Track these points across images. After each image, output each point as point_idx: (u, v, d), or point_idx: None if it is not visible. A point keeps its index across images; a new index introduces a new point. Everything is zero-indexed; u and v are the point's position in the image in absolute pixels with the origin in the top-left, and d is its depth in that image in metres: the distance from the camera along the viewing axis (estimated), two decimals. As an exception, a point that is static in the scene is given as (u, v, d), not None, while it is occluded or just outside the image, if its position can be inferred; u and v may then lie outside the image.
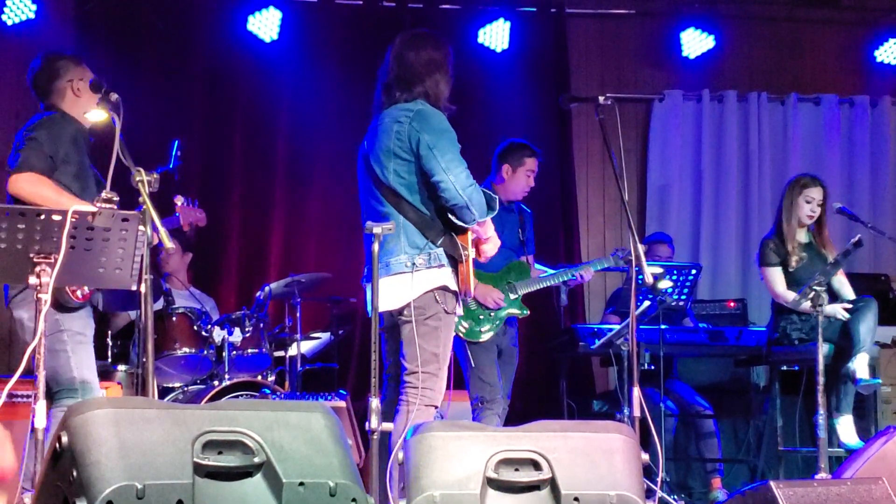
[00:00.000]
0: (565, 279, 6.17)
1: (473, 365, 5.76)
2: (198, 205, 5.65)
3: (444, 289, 4.42)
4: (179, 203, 5.48)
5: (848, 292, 6.29)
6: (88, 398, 4.33)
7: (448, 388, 5.29)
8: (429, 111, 4.46)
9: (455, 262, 4.46)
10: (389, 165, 4.43)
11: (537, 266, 6.21)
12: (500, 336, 5.91)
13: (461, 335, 5.76)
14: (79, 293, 4.48)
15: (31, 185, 4.44)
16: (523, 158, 6.12)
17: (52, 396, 4.48)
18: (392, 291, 4.32)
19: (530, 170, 6.12)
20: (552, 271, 6.21)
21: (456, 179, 4.35)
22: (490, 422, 5.70)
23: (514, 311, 5.96)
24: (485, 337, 5.81)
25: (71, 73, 4.80)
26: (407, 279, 4.36)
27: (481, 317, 5.84)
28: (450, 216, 4.42)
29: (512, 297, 5.96)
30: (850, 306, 6.13)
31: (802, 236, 6.35)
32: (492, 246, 4.60)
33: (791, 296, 6.06)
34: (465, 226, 4.43)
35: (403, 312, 4.39)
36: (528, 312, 6.05)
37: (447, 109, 4.55)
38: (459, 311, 4.58)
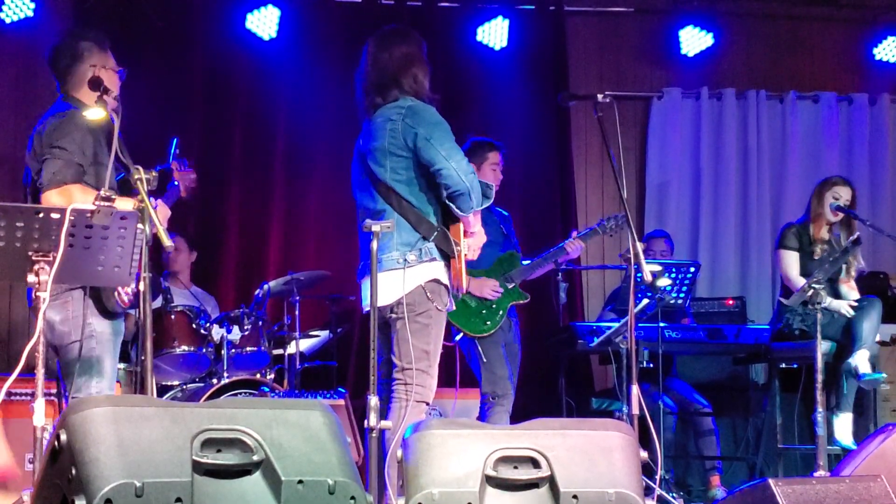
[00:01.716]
0: (557, 257, 6.18)
1: (485, 360, 5.77)
2: (188, 165, 5.46)
3: (436, 282, 4.44)
4: (175, 167, 5.26)
5: (855, 295, 6.32)
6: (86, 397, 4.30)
7: (455, 387, 5.30)
8: (419, 106, 4.49)
9: (447, 257, 4.48)
10: (386, 164, 4.45)
11: (524, 262, 6.22)
12: (504, 331, 5.93)
13: (467, 333, 5.77)
14: (125, 297, 4.36)
15: (67, 199, 4.22)
16: (485, 154, 6.14)
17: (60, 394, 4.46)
18: (384, 288, 4.33)
19: (494, 164, 6.14)
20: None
21: (458, 166, 4.39)
22: (500, 418, 5.71)
23: (515, 299, 5.98)
24: (490, 330, 5.83)
25: (94, 57, 4.58)
26: (399, 275, 4.38)
27: (483, 311, 5.86)
28: (448, 204, 4.43)
29: (509, 286, 5.98)
30: (855, 304, 6.15)
31: (825, 233, 6.40)
32: (477, 240, 4.61)
33: (802, 282, 6.08)
34: (462, 214, 4.45)
35: (394, 310, 4.41)
36: (529, 298, 6.07)
37: (431, 99, 4.57)
38: (451, 306, 4.59)
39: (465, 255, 4.56)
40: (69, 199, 4.28)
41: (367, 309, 4.45)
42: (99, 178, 4.45)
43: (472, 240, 4.59)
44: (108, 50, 4.68)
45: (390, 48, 4.58)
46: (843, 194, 6.40)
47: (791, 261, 6.38)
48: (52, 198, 4.31)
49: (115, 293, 4.34)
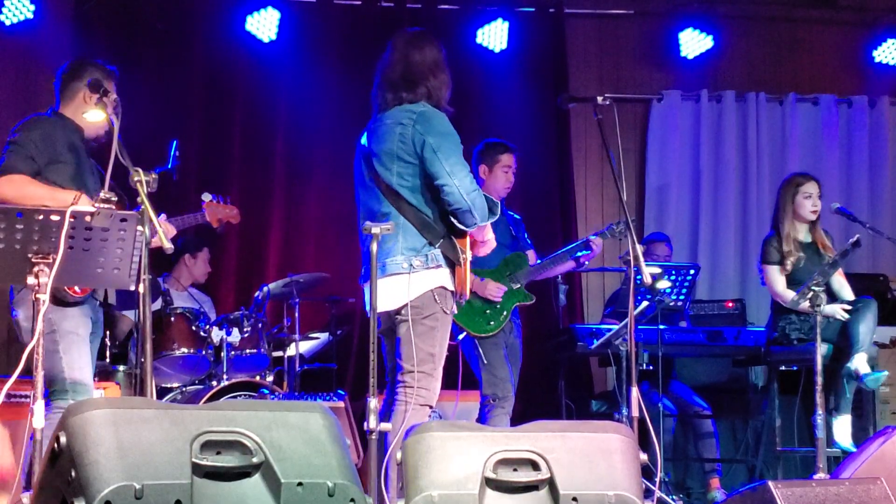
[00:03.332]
0: (565, 260, 6.15)
1: (486, 362, 5.77)
2: (230, 201, 5.59)
3: (443, 288, 4.43)
4: (207, 199, 5.41)
5: (847, 293, 6.29)
6: (86, 398, 4.30)
7: (457, 388, 5.29)
8: (432, 113, 4.45)
9: (452, 264, 4.47)
10: (393, 168, 4.43)
11: (536, 262, 6.21)
12: (506, 333, 5.92)
13: (470, 333, 5.77)
14: (76, 288, 4.45)
15: (13, 188, 4.42)
16: (498, 156, 6.12)
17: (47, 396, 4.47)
18: (389, 293, 4.32)
19: (507, 166, 6.11)
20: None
21: (460, 184, 4.36)
22: (500, 421, 5.70)
23: (520, 300, 5.98)
24: (493, 330, 5.83)
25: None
26: (404, 280, 4.36)
27: (487, 311, 5.86)
28: (451, 219, 4.42)
29: (515, 287, 5.97)
30: (849, 307, 6.13)
31: (803, 235, 6.34)
32: (487, 248, 4.61)
33: (790, 295, 6.07)
34: (466, 230, 4.44)
35: (401, 312, 4.40)
36: (534, 299, 6.06)
37: (446, 111, 4.55)
38: (454, 309, 4.59)
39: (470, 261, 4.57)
40: (14, 187, 4.39)
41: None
42: (65, 177, 4.49)
43: (483, 248, 4.60)
44: (114, 80, 4.78)
45: (423, 49, 4.56)
46: (813, 191, 6.29)
47: (777, 276, 6.28)
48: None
49: None
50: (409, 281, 4.35)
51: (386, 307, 4.33)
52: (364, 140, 4.62)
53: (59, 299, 4.39)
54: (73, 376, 4.43)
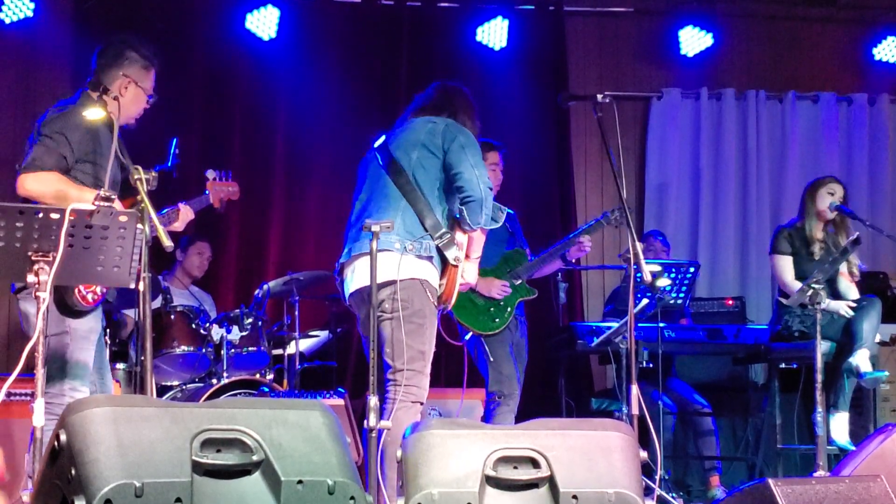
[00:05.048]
0: (563, 251, 6.14)
1: (492, 359, 5.78)
2: (231, 177, 5.52)
3: (428, 283, 4.46)
4: (211, 177, 5.32)
5: (854, 294, 6.31)
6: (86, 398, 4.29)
7: (462, 387, 5.32)
8: (465, 129, 4.67)
9: (443, 262, 4.50)
10: (413, 154, 4.55)
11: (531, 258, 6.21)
12: (511, 331, 5.93)
13: (476, 332, 5.78)
14: (89, 297, 4.37)
15: (42, 185, 4.32)
16: (484, 154, 6.09)
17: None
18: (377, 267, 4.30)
19: (494, 164, 6.10)
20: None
21: (480, 175, 4.49)
22: (505, 418, 5.71)
23: (523, 295, 5.98)
24: (499, 327, 5.83)
25: (132, 69, 4.67)
26: (393, 259, 4.38)
27: (491, 309, 5.86)
28: (459, 212, 4.48)
29: (517, 283, 5.98)
30: (854, 304, 6.15)
31: (819, 233, 6.39)
32: (471, 271, 4.65)
33: (797, 285, 6.08)
34: (469, 228, 4.47)
35: (385, 308, 4.40)
36: (536, 294, 6.07)
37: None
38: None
39: (462, 274, 4.59)
40: (43, 184, 4.32)
41: (353, 290, 4.52)
42: (96, 176, 4.46)
43: (467, 266, 4.62)
44: (152, 72, 4.74)
45: (466, 100, 4.84)
46: (837, 191, 6.39)
47: (785, 265, 6.36)
48: (26, 181, 4.36)
49: (76, 292, 4.32)
50: (399, 261, 4.39)
51: (366, 282, 4.31)
52: (380, 140, 4.70)
53: (69, 308, 4.34)
54: (74, 382, 4.35)
